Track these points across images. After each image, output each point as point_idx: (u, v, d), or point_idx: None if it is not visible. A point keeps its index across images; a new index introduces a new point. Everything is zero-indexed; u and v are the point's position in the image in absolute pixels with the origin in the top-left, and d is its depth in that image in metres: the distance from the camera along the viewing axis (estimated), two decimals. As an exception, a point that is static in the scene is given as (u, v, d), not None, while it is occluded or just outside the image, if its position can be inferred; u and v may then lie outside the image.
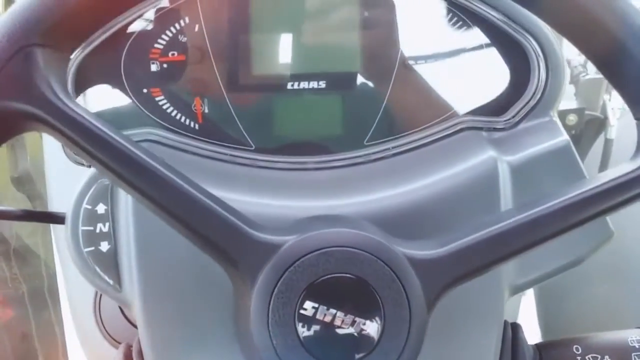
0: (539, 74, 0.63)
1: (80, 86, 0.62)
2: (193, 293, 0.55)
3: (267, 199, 0.58)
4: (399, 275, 0.46)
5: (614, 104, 1.71)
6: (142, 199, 0.45)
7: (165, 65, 0.63)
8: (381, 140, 0.65)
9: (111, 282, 0.57)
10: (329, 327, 0.45)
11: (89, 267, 0.56)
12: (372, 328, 0.46)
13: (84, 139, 0.44)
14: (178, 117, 0.64)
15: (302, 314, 0.45)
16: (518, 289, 0.59)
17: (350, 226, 0.48)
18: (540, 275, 0.59)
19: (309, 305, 0.45)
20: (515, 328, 0.61)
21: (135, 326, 0.72)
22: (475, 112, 0.65)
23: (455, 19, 0.64)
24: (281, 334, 0.45)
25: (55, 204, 0.74)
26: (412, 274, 0.46)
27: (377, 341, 0.46)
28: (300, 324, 0.45)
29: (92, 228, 0.57)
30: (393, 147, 0.64)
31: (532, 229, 0.47)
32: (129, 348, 0.59)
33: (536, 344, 0.62)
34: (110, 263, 0.57)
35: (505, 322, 0.59)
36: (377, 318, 0.45)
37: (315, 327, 0.45)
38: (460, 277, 0.47)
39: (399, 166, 0.62)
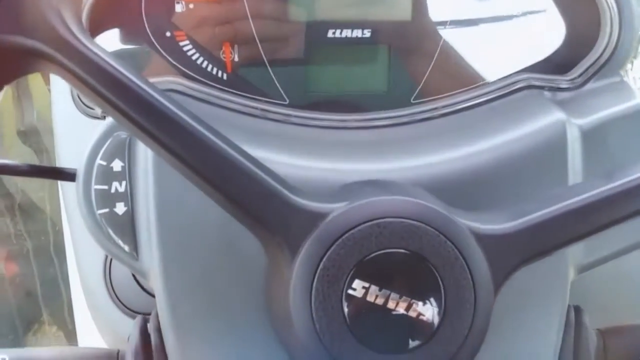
0: (610, 28, 0.56)
1: (95, 28, 0.56)
2: (220, 264, 0.49)
3: (303, 160, 0.51)
4: (463, 252, 0.40)
5: (636, 73, 1.65)
6: (166, 154, 0.39)
7: (191, 6, 0.56)
8: (430, 99, 0.58)
9: (127, 248, 0.50)
10: (381, 310, 0.40)
11: (103, 231, 0.50)
12: (430, 312, 0.40)
13: (101, 82, 0.37)
14: (204, 65, 0.57)
15: (350, 294, 0.40)
16: (584, 269, 0.53)
17: (406, 194, 0.42)
18: (609, 254, 0.54)
19: (358, 284, 0.40)
20: (578, 311, 0.55)
21: (149, 293, 0.66)
22: (534, 69, 0.59)
23: None
24: (325, 316, 0.40)
25: (64, 160, 0.67)
26: (478, 251, 0.40)
27: (436, 327, 0.40)
28: (348, 306, 0.40)
29: (106, 187, 0.50)
30: (442, 107, 0.57)
31: (618, 203, 0.41)
32: (145, 322, 0.53)
33: (599, 330, 0.57)
34: (126, 227, 0.50)
35: (568, 305, 0.53)
36: (436, 301, 0.40)
37: (365, 310, 0.40)
38: (533, 256, 0.41)
39: (449, 127, 0.56)
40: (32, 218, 1.46)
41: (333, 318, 0.40)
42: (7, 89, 1.45)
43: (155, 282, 0.49)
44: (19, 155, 1.46)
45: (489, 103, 0.57)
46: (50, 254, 1.44)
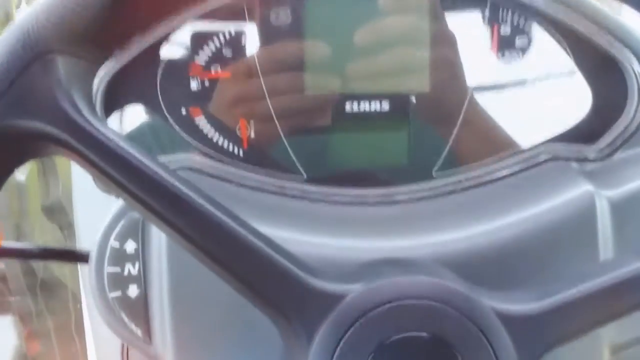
0: (638, 96, 0.55)
1: (110, 107, 0.55)
2: (236, 351, 0.47)
3: (321, 238, 0.50)
4: (488, 335, 0.38)
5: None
6: (178, 237, 0.38)
7: (206, 83, 0.55)
8: (452, 172, 0.57)
9: (140, 333, 0.48)
10: None
11: (115, 315, 0.49)
12: None
13: (111, 166, 0.36)
14: (220, 142, 0.56)
15: None
16: (619, 348, 0.50)
17: (427, 273, 0.40)
18: None
19: None
20: None
21: None
22: (561, 138, 0.57)
23: (541, 33, 0.56)
24: None
25: (83, 237, 0.66)
26: (504, 335, 0.38)
27: None
28: None
29: (119, 269, 0.49)
30: (466, 180, 0.56)
31: None
32: None
33: None
34: (139, 311, 0.49)
35: None
36: None
37: None
38: (562, 338, 0.39)
39: (473, 202, 0.54)
40: (54, 296, 1.45)
41: None
42: (33, 164, 1.46)
43: None
44: (44, 231, 1.45)
45: (514, 175, 0.55)
46: (71, 333, 1.42)
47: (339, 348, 0.37)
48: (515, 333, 0.38)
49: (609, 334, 0.49)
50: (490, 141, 0.57)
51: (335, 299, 0.38)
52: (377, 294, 0.38)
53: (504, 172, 0.55)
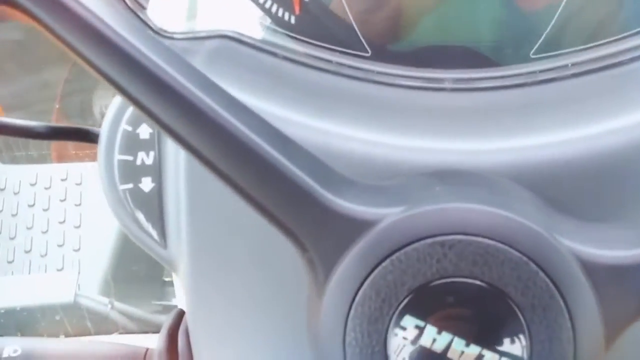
0: None
1: None
2: (261, 260, 0.40)
3: (377, 133, 0.40)
4: (563, 288, 0.29)
5: None
6: (164, 131, 0.30)
7: None
8: (556, 53, 0.44)
9: (154, 233, 0.42)
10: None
11: (126, 210, 0.42)
12: None
13: (65, 28, 0.28)
14: (267, 5, 0.46)
15: (398, 335, 0.29)
16: None
17: (488, 197, 0.30)
18: None
19: (410, 322, 0.30)
20: None
21: None
22: None
23: None
24: None
25: None
26: (586, 289, 0.29)
27: None
28: (395, 352, 0.30)
29: (131, 158, 0.42)
30: (572, 64, 0.43)
31: None
32: (176, 322, 0.45)
33: None
34: (154, 208, 0.42)
35: None
36: (519, 353, 0.29)
37: (418, 359, 0.29)
38: None
39: (580, 94, 0.42)
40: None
41: None
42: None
43: (183, 276, 0.41)
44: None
45: (636, 61, 0.43)
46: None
47: (361, 291, 0.30)
48: (602, 288, 0.29)
49: None
50: (610, 15, 0.44)
51: (362, 225, 0.30)
52: (417, 224, 0.30)
53: (628, 55, 0.43)
